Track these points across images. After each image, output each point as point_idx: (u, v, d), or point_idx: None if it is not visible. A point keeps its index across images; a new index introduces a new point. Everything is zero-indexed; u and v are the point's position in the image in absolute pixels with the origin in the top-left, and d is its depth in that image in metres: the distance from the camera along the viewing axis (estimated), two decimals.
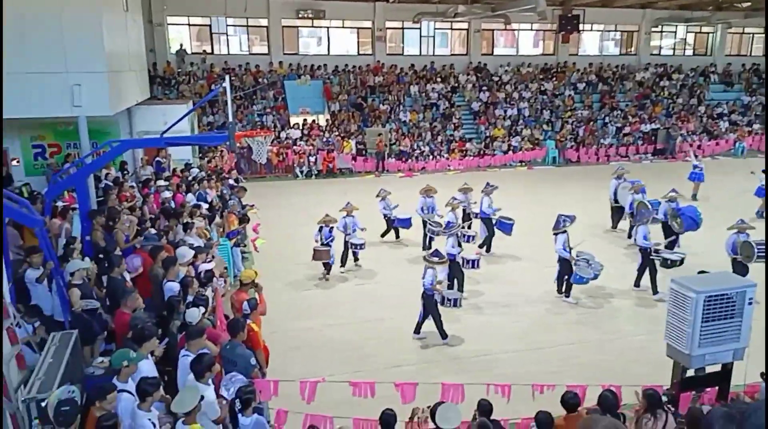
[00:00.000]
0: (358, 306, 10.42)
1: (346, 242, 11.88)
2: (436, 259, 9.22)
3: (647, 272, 10.74)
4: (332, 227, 11.47)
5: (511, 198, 13.25)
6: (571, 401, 5.34)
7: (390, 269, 12.03)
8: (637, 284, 10.97)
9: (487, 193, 12.95)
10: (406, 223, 13.47)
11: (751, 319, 6.29)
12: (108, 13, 11.23)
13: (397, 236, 13.88)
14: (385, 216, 13.61)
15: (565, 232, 10.61)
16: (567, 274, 10.54)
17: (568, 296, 10.67)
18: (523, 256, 12.80)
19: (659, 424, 5.22)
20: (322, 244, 11.20)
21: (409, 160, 22.90)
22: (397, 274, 11.76)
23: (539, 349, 8.85)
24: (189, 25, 26.10)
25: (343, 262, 11.91)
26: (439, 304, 9.20)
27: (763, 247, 10.37)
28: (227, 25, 25.98)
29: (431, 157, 23.29)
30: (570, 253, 10.49)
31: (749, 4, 28.01)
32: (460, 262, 10.56)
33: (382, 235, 13.71)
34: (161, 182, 12.22)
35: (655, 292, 10.60)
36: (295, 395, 6.48)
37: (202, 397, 4.70)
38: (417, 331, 9.22)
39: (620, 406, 5.72)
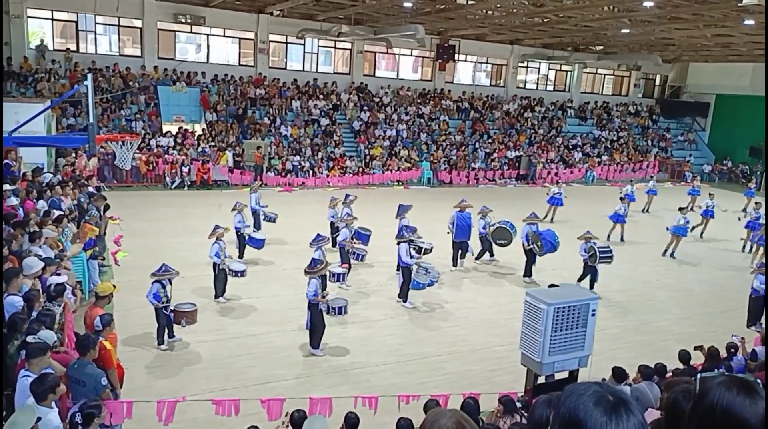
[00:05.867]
0: (227, 322, 10.05)
1: (222, 270, 10.59)
2: (318, 267, 9.22)
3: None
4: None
5: (386, 213, 13.62)
6: (431, 408, 5.52)
7: (261, 285, 11.72)
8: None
9: (346, 204, 13.58)
10: (259, 243, 12.76)
11: (594, 329, 6.92)
12: None
13: (241, 256, 12.80)
14: (237, 232, 12.68)
15: (408, 241, 11.19)
16: (408, 281, 11.12)
17: (405, 301, 11.20)
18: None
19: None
20: (188, 303, 9.28)
21: (289, 175, 22.70)
22: (270, 290, 11.52)
23: (409, 361, 9.07)
24: (53, 19, 24.00)
25: (219, 292, 10.72)
26: (325, 313, 9.15)
27: (607, 250, 12.75)
28: (96, 23, 24.27)
29: (311, 172, 23.27)
30: (412, 261, 11.10)
31: (602, 48, 31.34)
32: (330, 275, 10.76)
33: (240, 257, 12.77)
34: (7, 187, 11.03)
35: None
36: (152, 417, 6.09)
37: (39, 419, 4.25)
38: (316, 345, 9.00)
39: (480, 412, 6.04)
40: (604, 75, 36.32)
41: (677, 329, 10.97)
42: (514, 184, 26.84)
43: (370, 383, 8.21)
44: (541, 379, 6.88)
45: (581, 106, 34.01)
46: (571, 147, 30.53)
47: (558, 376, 6.96)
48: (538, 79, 34.54)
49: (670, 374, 6.94)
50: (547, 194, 19.56)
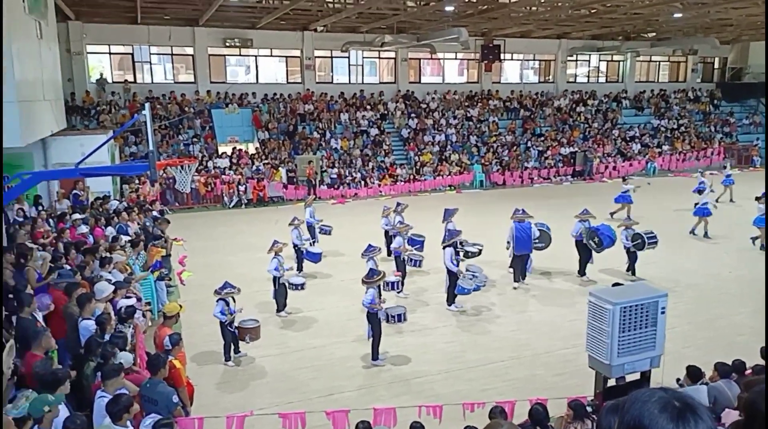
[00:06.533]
0: (290, 335, 10.22)
1: (282, 285, 10.79)
2: (375, 277, 9.24)
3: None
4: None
5: (440, 219, 13.53)
6: (498, 416, 5.42)
7: (320, 298, 11.85)
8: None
9: (398, 212, 13.58)
10: (316, 257, 12.85)
11: (664, 328, 6.63)
12: (19, 41, 10.73)
13: (299, 270, 12.95)
14: (295, 246, 12.83)
15: (452, 245, 11.04)
16: (453, 285, 11.00)
17: (450, 304, 11.11)
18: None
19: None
20: (251, 320, 9.41)
21: (341, 187, 22.96)
22: (329, 302, 11.63)
23: (471, 368, 8.94)
24: (110, 53, 25.33)
25: (281, 307, 10.92)
26: (383, 322, 9.17)
27: (653, 235, 12.69)
28: (151, 54, 25.41)
29: (363, 183, 23.45)
30: (458, 266, 10.96)
31: (654, 34, 30.24)
32: (384, 284, 10.65)
33: (299, 271, 12.92)
34: (77, 215, 11.65)
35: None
36: None
37: None
38: (375, 357, 9.03)
39: (549, 418, 5.87)
40: (659, 62, 34.98)
41: (753, 323, 10.34)
42: (570, 181, 26.17)
43: (432, 392, 8.14)
44: (612, 382, 6.64)
45: (637, 96, 32.88)
46: (628, 139, 29.54)
47: (629, 378, 6.70)
48: (588, 71, 33.65)
49: (749, 371, 6.55)
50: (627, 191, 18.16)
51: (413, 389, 8.29)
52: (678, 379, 6.86)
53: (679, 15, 22.74)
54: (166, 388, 5.79)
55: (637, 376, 6.70)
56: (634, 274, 12.75)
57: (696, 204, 16.38)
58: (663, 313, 6.57)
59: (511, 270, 12.68)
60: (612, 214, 17.88)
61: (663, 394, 1.45)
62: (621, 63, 33.77)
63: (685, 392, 1.52)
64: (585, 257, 12.85)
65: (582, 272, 12.87)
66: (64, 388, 5.28)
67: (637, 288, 7.68)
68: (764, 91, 33.17)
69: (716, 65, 36.04)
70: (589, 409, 6.14)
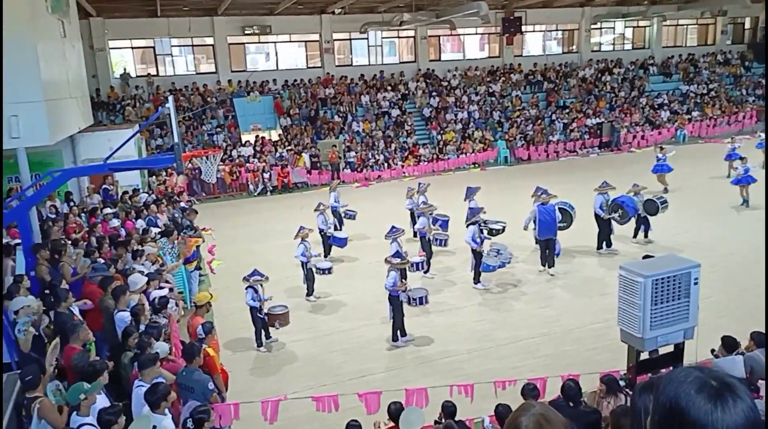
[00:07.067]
0: (320, 319, 10.34)
1: (310, 269, 10.95)
2: (397, 260, 9.25)
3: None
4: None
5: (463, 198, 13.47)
6: (530, 393, 5.41)
7: (348, 281, 11.94)
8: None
9: (420, 192, 13.53)
10: (342, 242, 12.86)
11: (698, 299, 6.50)
12: (44, 41, 10.90)
13: (326, 255, 12.97)
14: (321, 232, 12.86)
15: (475, 223, 10.98)
16: (479, 263, 10.96)
17: (477, 282, 11.09)
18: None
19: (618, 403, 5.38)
20: (280, 306, 9.50)
21: (364, 170, 22.94)
22: (357, 285, 11.71)
23: (500, 345, 8.94)
24: (132, 48, 25.60)
25: (310, 291, 11.06)
26: (405, 304, 9.21)
27: (664, 199, 12.96)
28: (172, 46, 25.60)
29: (386, 165, 23.40)
30: (481, 244, 10.92)
31: None
32: (409, 265, 10.63)
33: (325, 256, 12.92)
34: (108, 210, 11.90)
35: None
36: (258, 416, 6.37)
37: (155, 427, 4.57)
38: (395, 338, 9.12)
39: (582, 393, 5.84)
40: (687, 25, 33.83)
41: None
42: (597, 153, 25.67)
43: (463, 371, 8.17)
44: (644, 355, 6.56)
45: (664, 62, 31.93)
46: (656, 106, 28.78)
47: (662, 350, 6.61)
48: (614, 39, 32.74)
49: None
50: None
51: (443, 369, 8.33)
52: (713, 350, 6.76)
53: None
54: (202, 376, 5.93)
55: (670, 348, 6.61)
56: (646, 237, 12.95)
57: (735, 170, 15.79)
58: (696, 284, 6.43)
59: (542, 269, 11.87)
60: (666, 189, 16.65)
61: (699, 374, 1.41)
62: (647, 28, 32.76)
63: (721, 370, 1.48)
64: (605, 231, 12.64)
65: (599, 246, 12.68)
66: (102, 379, 5.45)
67: (669, 260, 7.51)
68: None
69: (747, 25, 34.70)
70: (622, 383, 6.10)
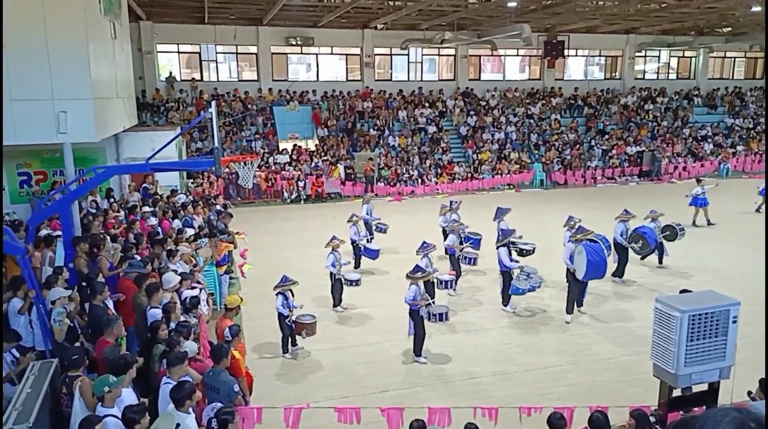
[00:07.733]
0: (346, 331, 10.33)
1: (338, 280, 10.94)
2: (419, 274, 9.20)
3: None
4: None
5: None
6: (557, 423, 5.29)
7: (376, 294, 11.91)
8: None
9: (453, 210, 13.50)
10: (374, 253, 12.89)
11: (736, 337, 6.29)
12: (95, 41, 11.28)
13: (357, 266, 12.97)
14: (353, 243, 12.93)
15: (505, 245, 10.81)
16: (508, 286, 10.80)
17: (506, 305, 10.94)
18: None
19: None
20: (308, 315, 9.38)
21: (398, 185, 22.99)
22: (385, 299, 11.66)
23: (528, 370, 8.78)
24: (179, 52, 26.33)
25: (337, 302, 11.08)
26: (426, 320, 9.13)
27: (681, 225, 13.36)
28: (217, 52, 26.23)
29: (420, 181, 23.41)
30: (513, 265, 10.75)
31: (729, 29, 28.69)
32: (438, 282, 10.74)
33: (356, 267, 12.92)
34: (147, 208, 12.17)
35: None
36: (280, 423, 6.38)
37: (178, 425, 4.60)
38: (418, 353, 9.03)
39: (610, 426, 5.68)
40: (734, 58, 33.19)
41: None
42: (636, 182, 25.24)
43: (488, 393, 8.04)
44: (677, 392, 6.36)
45: (710, 94, 31.32)
46: (700, 138, 28.19)
47: (696, 388, 6.40)
48: (658, 68, 32.30)
49: None
50: (687, 196, 17.21)
51: (468, 389, 8.21)
52: (750, 392, 6.52)
53: (758, 9, 21.45)
54: (228, 378, 5.97)
55: (704, 387, 6.39)
56: (660, 263, 13.17)
57: None
58: (735, 322, 6.23)
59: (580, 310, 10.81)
60: (694, 222, 16.75)
61: (737, 414, 1.36)
62: (693, 59, 32.25)
63: (759, 413, 1.42)
64: (624, 259, 12.51)
65: (622, 274, 12.51)
66: (131, 372, 5.53)
67: (707, 295, 7.30)
68: None
69: None
70: (652, 419, 5.92)
